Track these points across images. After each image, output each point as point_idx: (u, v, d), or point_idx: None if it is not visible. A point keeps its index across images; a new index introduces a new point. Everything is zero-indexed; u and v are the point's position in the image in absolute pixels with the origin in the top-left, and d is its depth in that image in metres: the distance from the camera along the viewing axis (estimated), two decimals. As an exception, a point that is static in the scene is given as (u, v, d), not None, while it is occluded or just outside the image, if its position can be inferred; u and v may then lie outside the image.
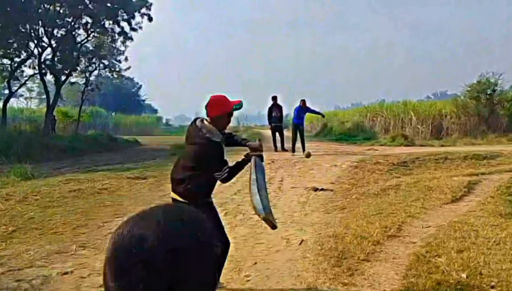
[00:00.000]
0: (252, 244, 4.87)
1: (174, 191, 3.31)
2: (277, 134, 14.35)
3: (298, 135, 13.44)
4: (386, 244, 4.69)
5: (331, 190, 8.10)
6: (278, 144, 14.26)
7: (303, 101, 13.41)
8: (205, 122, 3.21)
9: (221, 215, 6.24)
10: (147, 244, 0.77)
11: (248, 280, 3.76)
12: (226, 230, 5.46)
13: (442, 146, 16.64)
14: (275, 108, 14.08)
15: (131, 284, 0.76)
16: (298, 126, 13.50)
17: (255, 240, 5.06)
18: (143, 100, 70.00)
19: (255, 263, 4.21)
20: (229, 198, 7.57)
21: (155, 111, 73.31)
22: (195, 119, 3.30)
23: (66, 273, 3.92)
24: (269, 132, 15.97)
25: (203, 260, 0.82)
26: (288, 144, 13.83)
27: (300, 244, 4.83)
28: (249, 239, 5.09)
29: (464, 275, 3.65)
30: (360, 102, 66.21)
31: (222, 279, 3.76)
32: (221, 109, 3.18)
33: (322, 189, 8.05)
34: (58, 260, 4.31)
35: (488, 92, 20.13)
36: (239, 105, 3.19)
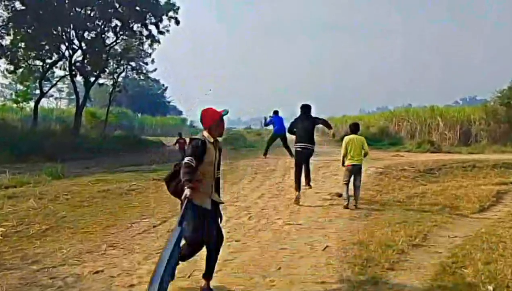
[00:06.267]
0: (276, 249, 4.91)
1: None
2: None
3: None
4: (411, 253, 4.68)
5: (356, 196, 8.05)
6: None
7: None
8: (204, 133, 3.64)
9: (245, 219, 6.37)
10: None
11: (273, 285, 3.81)
12: (250, 234, 5.57)
13: (470, 153, 16.28)
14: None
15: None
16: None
17: (279, 245, 5.10)
18: (168, 102, 70.82)
19: (279, 268, 4.26)
20: (253, 202, 7.64)
21: (180, 113, 74.04)
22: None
23: (97, 272, 4.06)
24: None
25: None
26: None
27: (324, 249, 4.85)
28: (272, 244, 5.15)
29: (491, 288, 3.62)
30: (385, 107, 65.26)
31: (246, 282, 3.84)
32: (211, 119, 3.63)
33: (346, 195, 8.02)
34: (90, 259, 4.47)
35: (520, 98, 19.66)
36: (225, 112, 3.60)
